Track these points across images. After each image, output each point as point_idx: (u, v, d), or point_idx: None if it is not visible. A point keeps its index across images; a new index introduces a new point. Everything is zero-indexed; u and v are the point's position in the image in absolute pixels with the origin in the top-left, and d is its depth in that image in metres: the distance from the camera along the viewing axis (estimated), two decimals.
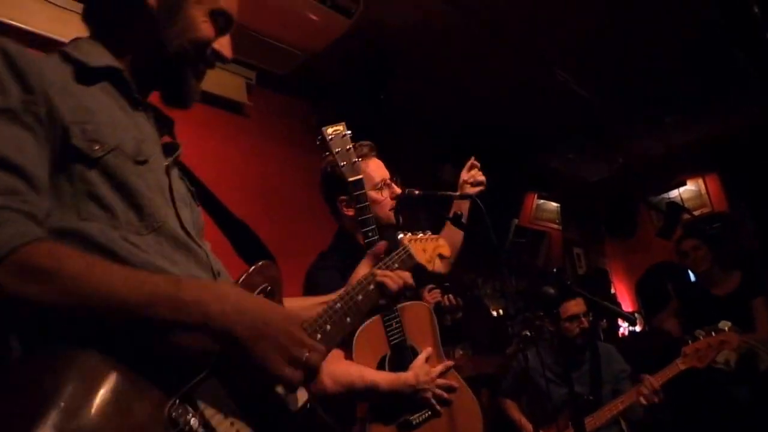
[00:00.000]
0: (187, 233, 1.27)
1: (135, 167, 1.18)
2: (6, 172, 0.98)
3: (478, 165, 2.78)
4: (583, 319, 3.77)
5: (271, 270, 1.30)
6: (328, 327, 1.40)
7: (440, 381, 2.15)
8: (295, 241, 3.33)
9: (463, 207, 2.76)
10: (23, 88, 1.06)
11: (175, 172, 1.37)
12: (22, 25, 2.93)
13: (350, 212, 2.43)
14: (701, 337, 3.36)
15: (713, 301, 4.27)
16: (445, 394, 2.14)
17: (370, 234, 2.14)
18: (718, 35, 4.61)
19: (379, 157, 2.55)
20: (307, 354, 1.10)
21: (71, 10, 3.07)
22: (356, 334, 2.09)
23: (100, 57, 1.24)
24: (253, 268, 1.26)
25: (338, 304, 1.52)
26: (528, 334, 4.38)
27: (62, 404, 0.87)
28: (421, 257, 2.00)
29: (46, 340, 0.94)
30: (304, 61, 3.98)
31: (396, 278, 1.79)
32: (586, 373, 3.74)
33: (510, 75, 5.07)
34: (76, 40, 1.29)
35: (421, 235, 2.08)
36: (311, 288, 2.30)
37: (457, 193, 2.69)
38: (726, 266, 4.34)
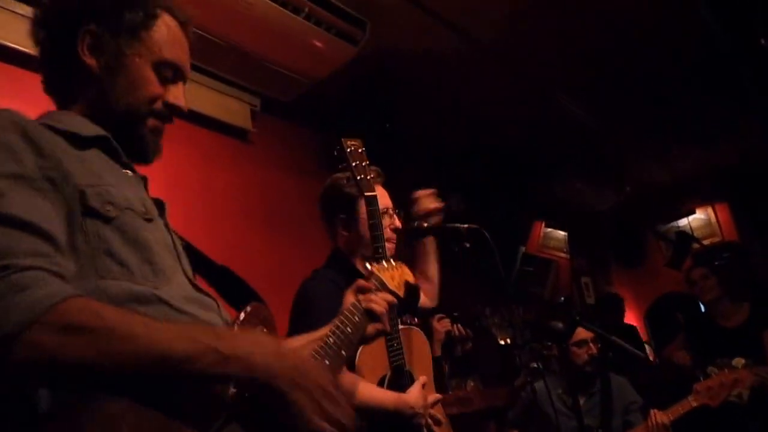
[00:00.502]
0: (195, 285, 1.29)
1: (145, 224, 1.21)
2: (32, 236, 0.99)
3: (432, 192, 2.69)
4: (591, 345, 3.69)
5: (263, 312, 1.30)
6: (327, 362, 1.42)
7: (431, 411, 2.14)
8: (299, 268, 3.29)
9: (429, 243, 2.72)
10: (37, 154, 1.09)
11: (169, 228, 1.37)
12: (18, 47, 2.93)
13: (345, 232, 2.42)
14: (714, 374, 3.31)
15: (722, 332, 4.19)
16: (434, 426, 2.13)
17: (380, 250, 2.14)
18: (726, 63, 4.59)
19: (384, 186, 2.51)
20: (341, 415, 1.11)
21: None
22: (359, 350, 2.07)
23: (86, 126, 1.26)
24: (249, 310, 1.25)
25: (331, 339, 1.52)
26: (536, 366, 4.32)
27: None
28: (391, 285, 1.97)
29: (70, 390, 0.94)
30: (310, 88, 3.97)
31: (380, 300, 1.77)
32: (597, 404, 3.67)
33: (517, 103, 5.05)
34: (50, 113, 1.31)
35: (384, 263, 2.06)
36: (305, 302, 2.26)
37: (465, 225, 2.65)
38: (736, 297, 4.27)
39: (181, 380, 0.99)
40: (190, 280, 1.29)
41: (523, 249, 5.84)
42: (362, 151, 2.19)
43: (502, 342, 5.66)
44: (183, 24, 1.41)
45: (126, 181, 1.28)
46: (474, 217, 2.64)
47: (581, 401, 3.57)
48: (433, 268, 2.74)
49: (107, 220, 1.13)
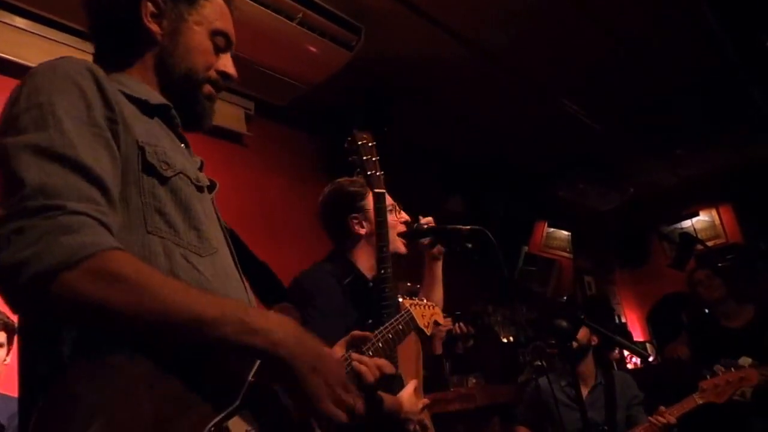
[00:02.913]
0: (236, 263, 1.32)
1: (197, 193, 1.25)
2: (87, 182, 1.01)
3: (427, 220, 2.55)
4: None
5: (291, 314, 1.31)
6: None
7: (420, 417, 2.09)
8: (295, 271, 3.26)
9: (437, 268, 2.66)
10: (105, 104, 1.12)
11: (215, 207, 1.42)
12: (16, 59, 3.01)
13: (363, 230, 2.34)
14: (720, 373, 3.31)
15: (726, 333, 4.19)
16: None
17: (384, 249, 2.11)
18: (730, 66, 4.59)
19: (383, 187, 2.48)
20: (353, 401, 1.12)
21: (65, 44, 3.19)
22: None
23: (152, 94, 1.31)
24: (274, 310, 1.28)
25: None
26: (540, 363, 4.32)
27: (104, 420, 0.90)
28: (420, 322, 1.99)
29: (95, 343, 0.97)
30: (306, 92, 4.00)
31: (373, 368, 1.53)
32: (600, 397, 3.68)
33: (520, 105, 5.09)
34: (115, 76, 1.32)
35: (417, 300, 2.08)
36: (304, 296, 2.15)
37: (467, 227, 2.63)
38: (740, 299, 4.25)
39: (206, 344, 1.01)
40: (232, 256, 1.32)
41: (525, 249, 5.82)
42: (372, 145, 2.18)
43: (505, 340, 5.66)
44: (228, 0, 1.49)
45: (180, 151, 1.32)
46: (477, 217, 2.62)
47: (584, 393, 3.54)
48: (438, 294, 2.67)
49: (163, 179, 1.16)
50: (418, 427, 2.06)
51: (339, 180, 2.45)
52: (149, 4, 1.34)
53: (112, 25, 1.38)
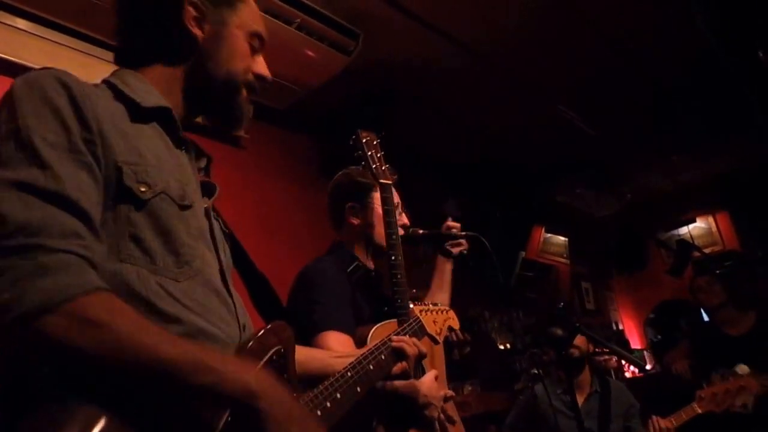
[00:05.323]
0: (224, 281, 1.28)
1: (179, 212, 1.20)
2: (70, 215, 0.99)
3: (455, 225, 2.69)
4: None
5: (285, 331, 1.29)
6: (338, 395, 1.41)
7: (444, 406, 2.06)
8: (293, 275, 3.25)
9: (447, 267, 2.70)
10: (82, 125, 1.08)
11: (212, 214, 1.37)
12: (17, 60, 2.99)
13: (355, 221, 2.40)
14: (718, 381, 3.28)
15: (727, 341, 4.15)
16: (446, 423, 2.06)
17: (393, 236, 2.15)
18: (725, 74, 4.59)
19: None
20: None
21: (65, 46, 3.19)
22: (371, 331, 2.03)
23: (151, 96, 1.28)
24: (269, 327, 1.25)
25: (350, 373, 1.50)
26: (536, 372, 4.30)
27: None
28: (431, 329, 2.00)
29: (61, 388, 0.93)
30: (304, 96, 4.00)
31: (412, 345, 1.78)
32: (596, 406, 3.64)
33: (517, 110, 5.08)
34: (121, 73, 1.32)
35: (430, 305, 2.08)
36: (312, 286, 2.18)
37: (463, 233, 2.65)
38: (741, 305, 4.23)
39: (177, 391, 0.98)
40: (222, 274, 1.28)
41: (522, 254, 5.81)
42: (377, 143, 2.28)
43: (502, 347, 5.64)
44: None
45: (171, 160, 1.26)
46: (474, 221, 2.61)
47: (580, 401, 3.51)
48: (446, 298, 2.68)
49: (140, 203, 1.12)
50: (442, 415, 2.02)
51: (350, 168, 2.49)
52: (191, 9, 1.34)
53: (147, 26, 1.36)
